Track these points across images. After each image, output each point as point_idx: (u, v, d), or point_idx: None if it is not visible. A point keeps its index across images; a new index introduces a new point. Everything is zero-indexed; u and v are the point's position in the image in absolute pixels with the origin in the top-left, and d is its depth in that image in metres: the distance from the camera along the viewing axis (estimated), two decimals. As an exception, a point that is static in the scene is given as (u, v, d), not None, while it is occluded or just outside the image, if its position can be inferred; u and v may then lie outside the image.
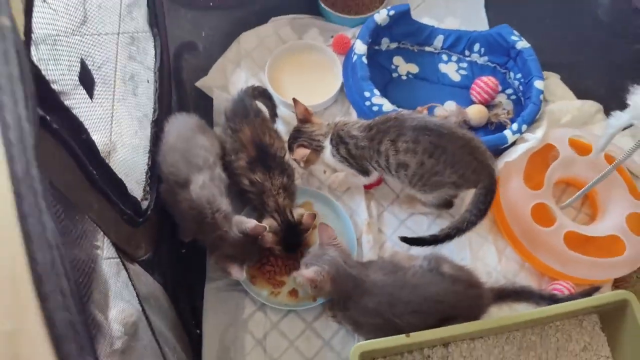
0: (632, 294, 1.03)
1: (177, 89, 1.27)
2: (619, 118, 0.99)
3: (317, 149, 1.14)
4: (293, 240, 1.08)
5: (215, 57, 1.37)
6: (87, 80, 0.77)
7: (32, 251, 0.28)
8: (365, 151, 1.07)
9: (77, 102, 0.76)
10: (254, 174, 1.09)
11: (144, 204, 0.97)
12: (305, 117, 1.15)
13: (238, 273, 1.02)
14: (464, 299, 1.01)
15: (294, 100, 1.16)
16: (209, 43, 1.38)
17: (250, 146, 1.09)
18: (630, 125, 0.99)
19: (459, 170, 1.01)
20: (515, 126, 1.21)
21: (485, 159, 1.02)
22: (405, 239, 1.06)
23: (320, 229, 1.06)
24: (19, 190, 0.29)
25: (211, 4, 1.37)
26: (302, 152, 1.11)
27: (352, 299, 1.00)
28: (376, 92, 1.21)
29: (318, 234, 1.06)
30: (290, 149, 1.16)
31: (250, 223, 1.02)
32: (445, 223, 1.13)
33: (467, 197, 1.15)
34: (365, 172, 1.12)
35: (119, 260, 0.84)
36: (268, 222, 1.06)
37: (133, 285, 0.81)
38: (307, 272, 0.98)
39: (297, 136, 1.15)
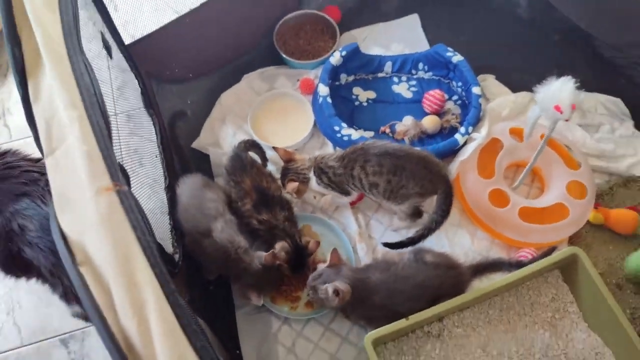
0: (580, 249, 1.26)
1: (177, 153, 1.49)
2: (533, 111, 1.24)
3: (304, 181, 1.36)
4: (299, 261, 1.31)
5: (203, 119, 1.59)
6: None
7: (177, 314, 0.51)
8: (342, 177, 1.30)
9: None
10: (260, 215, 1.32)
11: (176, 257, 1.20)
12: (288, 157, 1.38)
13: (257, 300, 1.24)
14: (446, 280, 1.23)
15: (274, 148, 1.40)
16: (196, 108, 1.60)
17: (252, 192, 1.32)
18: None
19: (419, 182, 1.25)
20: (463, 129, 1.46)
21: (439, 169, 1.26)
22: (387, 245, 1.30)
23: (332, 253, 1.26)
24: (161, 283, 0.51)
25: (191, 75, 1.59)
26: (292, 185, 1.34)
27: (362, 298, 1.23)
28: (344, 125, 1.45)
29: (330, 257, 1.26)
30: (283, 185, 1.38)
31: (263, 257, 1.23)
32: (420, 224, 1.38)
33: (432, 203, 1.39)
34: (346, 193, 1.36)
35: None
36: (281, 245, 1.28)
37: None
38: (339, 284, 1.17)
39: (286, 173, 1.37)
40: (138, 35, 1.39)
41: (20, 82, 0.66)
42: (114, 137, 1.23)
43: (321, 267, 1.28)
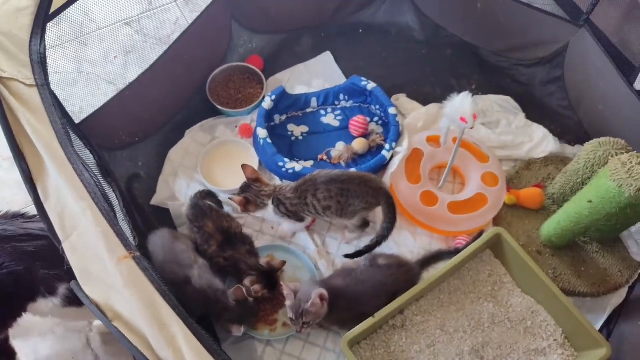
0: (502, 228, 1.50)
1: (139, 212, 1.60)
2: (444, 123, 1.49)
3: (260, 205, 1.50)
4: (271, 281, 1.46)
5: (157, 176, 1.71)
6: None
7: (201, 341, 0.65)
8: (298, 207, 1.48)
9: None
10: (225, 253, 1.47)
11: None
12: (255, 177, 1.51)
13: (237, 331, 1.37)
14: (399, 277, 1.43)
15: (243, 165, 1.51)
16: (147, 168, 1.71)
17: (216, 234, 1.47)
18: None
19: (363, 199, 1.45)
20: (387, 146, 1.68)
21: (377, 184, 1.47)
22: (348, 256, 1.48)
23: (283, 291, 1.37)
24: (182, 318, 0.66)
25: (137, 139, 1.71)
26: (239, 200, 1.48)
27: (331, 305, 1.39)
28: (286, 160, 1.63)
29: (285, 292, 1.36)
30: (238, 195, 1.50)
31: (231, 292, 1.36)
32: (368, 233, 1.58)
33: (378, 213, 1.59)
34: (301, 220, 1.53)
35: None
36: (250, 279, 1.43)
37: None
38: (320, 290, 1.29)
39: (246, 190, 1.50)
40: (84, 115, 1.51)
41: (30, 188, 0.79)
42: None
43: (291, 298, 1.36)
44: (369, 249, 1.48)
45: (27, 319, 1.47)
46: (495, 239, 1.51)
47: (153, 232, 1.49)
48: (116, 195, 1.51)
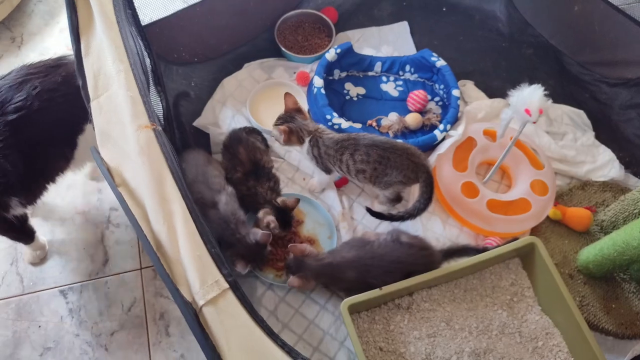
0: (538, 238, 1.42)
1: (179, 129, 1.61)
2: (506, 114, 1.40)
3: (300, 139, 1.45)
4: (285, 220, 1.44)
5: (205, 100, 1.71)
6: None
7: (197, 225, 0.64)
8: (331, 158, 1.43)
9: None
10: (248, 182, 1.46)
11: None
12: (297, 108, 1.46)
13: (241, 268, 1.35)
14: (418, 258, 1.38)
15: (286, 94, 1.47)
16: (199, 90, 1.72)
17: (245, 162, 1.46)
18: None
19: (401, 172, 1.39)
20: (442, 127, 1.61)
21: (420, 160, 1.40)
22: (369, 210, 1.43)
23: (291, 249, 1.38)
24: (185, 200, 0.64)
25: (196, 59, 1.71)
26: (283, 129, 1.41)
27: (337, 276, 1.36)
28: (335, 114, 1.59)
29: (291, 252, 1.38)
30: (278, 125, 1.44)
31: (259, 234, 1.36)
32: (398, 209, 1.52)
33: (414, 193, 1.53)
34: (327, 171, 1.49)
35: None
36: (264, 211, 1.42)
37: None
38: (294, 280, 1.34)
39: (289, 120, 1.45)
40: (152, 19, 1.51)
41: (74, 39, 0.79)
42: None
43: (290, 258, 1.40)
44: (391, 217, 1.42)
45: (50, 202, 1.52)
46: (528, 248, 1.43)
47: (189, 150, 1.49)
48: (162, 105, 1.51)
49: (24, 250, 1.46)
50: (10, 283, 1.43)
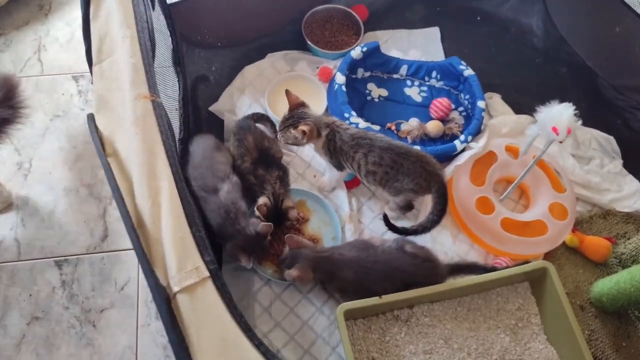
0: (551, 264, 1.35)
1: (193, 113, 1.58)
2: (532, 130, 1.33)
3: (318, 134, 1.37)
4: (276, 220, 1.40)
5: (224, 86, 1.68)
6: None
7: (184, 206, 0.59)
8: (344, 153, 1.38)
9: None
10: (256, 171, 1.42)
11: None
12: (301, 103, 1.39)
13: (246, 262, 1.32)
14: (421, 270, 1.32)
15: (286, 91, 1.39)
16: (219, 75, 1.70)
17: (253, 150, 1.42)
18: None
19: (413, 180, 1.33)
20: (462, 137, 1.55)
21: (434, 169, 1.34)
22: (385, 219, 1.37)
23: (288, 240, 1.33)
24: (176, 179, 0.61)
25: (219, 44, 1.69)
26: (309, 129, 1.32)
27: (334, 273, 1.31)
28: (353, 113, 1.54)
29: (287, 244, 1.34)
30: (295, 126, 1.35)
31: (260, 225, 1.32)
32: (409, 217, 1.47)
33: (426, 203, 1.47)
34: (340, 167, 1.43)
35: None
36: (263, 200, 1.38)
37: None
38: (292, 271, 1.27)
39: (304, 117, 1.36)
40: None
41: (84, 3, 0.76)
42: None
43: (287, 250, 1.36)
44: (404, 231, 1.37)
45: (58, 172, 1.49)
46: (539, 272, 1.36)
47: (200, 134, 1.46)
48: (179, 86, 1.49)
49: None
50: (7, 248, 1.42)
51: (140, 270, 1.37)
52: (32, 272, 1.40)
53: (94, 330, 1.34)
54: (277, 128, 1.42)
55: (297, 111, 1.39)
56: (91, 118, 0.70)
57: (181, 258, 0.57)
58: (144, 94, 0.67)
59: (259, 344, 0.57)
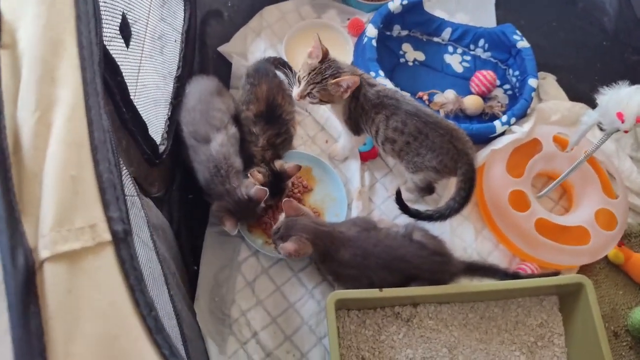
0: (589, 280, 1.14)
1: (199, 51, 1.39)
2: (590, 116, 1.10)
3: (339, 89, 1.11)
4: (278, 187, 1.20)
5: (238, 26, 1.48)
6: (125, 32, 0.89)
7: (91, 131, 0.40)
8: (365, 113, 1.16)
9: (113, 50, 0.87)
10: (254, 126, 1.22)
11: (161, 148, 1.10)
12: (325, 53, 1.12)
13: (231, 227, 1.14)
14: (427, 263, 1.12)
15: (318, 36, 1.11)
16: (234, 12, 1.49)
17: (262, 101, 1.22)
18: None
19: (438, 156, 1.12)
20: (504, 118, 1.32)
21: (465, 147, 1.12)
22: (397, 195, 1.16)
23: (285, 205, 1.12)
24: (86, 90, 0.41)
25: (239, -24, 1.48)
26: (352, 79, 1.08)
27: (330, 252, 1.11)
28: (381, 73, 1.32)
29: (284, 209, 1.13)
30: (335, 77, 1.10)
31: (253, 189, 1.14)
32: (427, 201, 1.26)
33: (450, 188, 1.27)
34: (356, 131, 1.22)
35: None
36: (257, 169, 1.19)
37: (145, 214, 0.94)
38: (288, 244, 1.06)
39: (342, 68, 1.12)
40: None
41: None
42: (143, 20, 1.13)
43: (281, 218, 1.14)
44: (417, 214, 1.16)
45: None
46: (573, 288, 1.15)
47: (201, 75, 1.27)
48: (184, 15, 1.30)
49: None
50: None
51: None
52: None
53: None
54: (305, 80, 1.12)
55: (330, 60, 1.12)
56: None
57: (66, 207, 0.37)
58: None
59: (162, 346, 0.37)
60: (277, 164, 1.21)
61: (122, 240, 0.39)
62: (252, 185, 1.15)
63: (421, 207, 1.28)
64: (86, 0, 0.46)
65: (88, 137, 0.40)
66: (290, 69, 1.36)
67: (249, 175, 1.17)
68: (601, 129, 1.36)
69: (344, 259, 1.09)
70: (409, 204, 1.19)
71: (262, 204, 1.17)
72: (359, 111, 1.16)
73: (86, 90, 0.42)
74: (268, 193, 1.14)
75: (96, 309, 0.36)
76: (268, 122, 1.21)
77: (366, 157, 1.35)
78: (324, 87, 1.10)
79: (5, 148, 0.37)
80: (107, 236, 0.38)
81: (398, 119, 1.12)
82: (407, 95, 1.16)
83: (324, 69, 1.11)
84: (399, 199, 1.17)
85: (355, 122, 1.19)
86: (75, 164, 0.38)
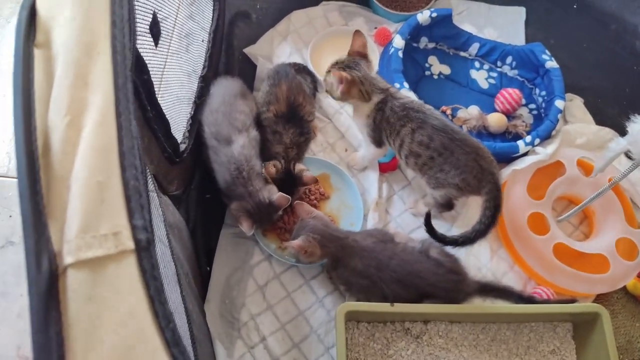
0: (605, 309, 1.11)
1: (226, 52, 1.39)
2: (618, 143, 1.07)
3: (363, 95, 1.14)
4: (287, 186, 1.19)
5: (266, 28, 1.48)
6: (155, 30, 0.89)
7: (120, 137, 0.40)
8: (390, 126, 1.15)
9: (141, 48, 0.87)
10: (277, 125, 1.22)
11: (182, 147, 1.10)
12: (363, 54, 1.16)
13: (248, 228, 1.13)
14: (442, 281, 1.09)
15: (356, 32, 1.16)
16: (262, 15, 1.49)
17: (283, 102, 1.21)
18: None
19: (461, 173, 1.10)
20: (528, 138, 1.30)
21: (490, 167, 1.10)
22: (427, 218, 1.14)
23: (297, 207, 1.14)
24: (117, 95, 0.41)
25: (269, -20, 1.48)
26: (344, 75, 1.10)
27: (342, 259, 1.10)
28: (405, 85, 1.31)
29: (297, 211, 1.15)
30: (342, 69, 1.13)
31: (276, 195, 1.14)
32: (445, 217, 1.24)
33: (468, 205, 1.26)
34: (378, 143, 1.21)
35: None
36: (273, 163, 1.19)
37: (162, 212, 0.94)
38: (295, 242, 1.07)
39: (352, 67, 1.14)
40: None
41: None
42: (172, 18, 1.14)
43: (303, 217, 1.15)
44: (445, 240, 1.14)
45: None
46: (589, 317, 1.13)
47: (226, 76, 1.27)
48: (213, 16, 1.30)
49: None
50: (-4, 161, 1.29)
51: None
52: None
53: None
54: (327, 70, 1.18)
55: (353, 58, 1.15)
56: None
57: (92, 214, 0.36)
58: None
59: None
60: (298, 167, 1.20)
61: (144, 249, 0.38)
62: (276, 191, 1.15)
63: (439, 223, 1.26)
64: (122, 4, 0.46)
65: (117, 143, 0.40)
66: (312, 75, 1.35)
67: (263, 166, 1.16)
68: (629, 157, 1.34)
69: (357, 268, 1.08)
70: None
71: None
72: (384, 124, 1.15)
73: (117, 95, 0.41)
74: (290, 200, 1.14)
75: (115, 318, 0.35)
76: (289, 121, 1.21)
77: (385, 168, 1.34)
78: (327, 77, 1.17)
79: (35, 150, 0.37)
80: (130, 244, 0.38)
81: (424, 133, 1.10)
82: (433, 109, 1.15)
83: (342, 61, 1.15)
84: (427, 222, 1.15)
85: (378, 134, 1.18)
86: (103, 170, 0.38)
